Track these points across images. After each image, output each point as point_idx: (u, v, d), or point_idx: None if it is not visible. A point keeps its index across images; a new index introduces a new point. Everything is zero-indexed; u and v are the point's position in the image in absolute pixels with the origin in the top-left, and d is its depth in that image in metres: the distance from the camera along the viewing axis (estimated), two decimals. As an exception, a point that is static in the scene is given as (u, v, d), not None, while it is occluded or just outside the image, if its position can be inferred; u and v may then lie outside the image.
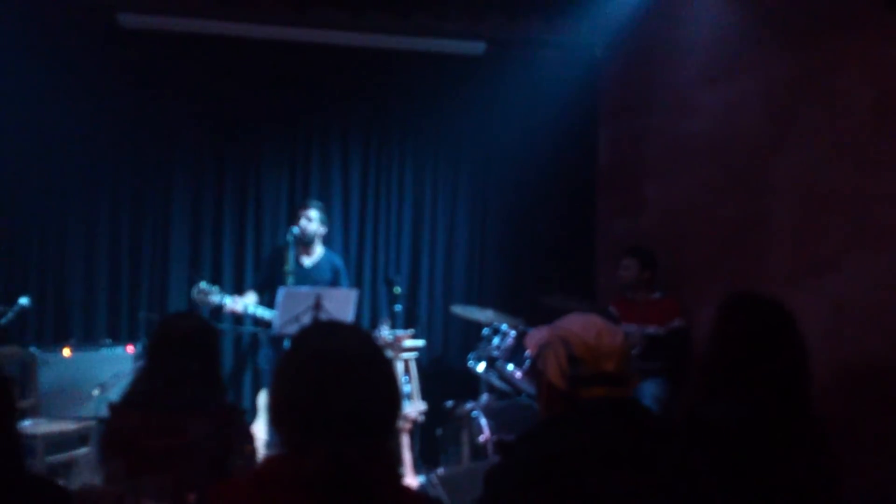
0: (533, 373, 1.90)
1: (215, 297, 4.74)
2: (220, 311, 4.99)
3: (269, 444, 4.61)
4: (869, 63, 3.63)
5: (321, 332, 1.54)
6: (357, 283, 5.81)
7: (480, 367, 4.76)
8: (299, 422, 1.41)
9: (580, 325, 1.82)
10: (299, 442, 1.40)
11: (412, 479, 4.70)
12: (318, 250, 5.17)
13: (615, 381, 1.75)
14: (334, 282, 5.13)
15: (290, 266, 4.88)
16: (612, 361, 1.75)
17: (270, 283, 5.05)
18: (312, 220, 5.05)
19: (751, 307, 2.26)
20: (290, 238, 4.94)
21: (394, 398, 1.48)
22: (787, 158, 4.12)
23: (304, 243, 5.07)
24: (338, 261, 5.28)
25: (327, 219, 5.23)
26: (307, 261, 5.10)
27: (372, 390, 1.42)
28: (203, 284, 4.78)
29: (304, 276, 4.99)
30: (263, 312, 4.86)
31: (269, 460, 1.44)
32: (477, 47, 5.88)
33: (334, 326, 1.57)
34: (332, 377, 1.41)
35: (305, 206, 5.11)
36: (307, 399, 1.40)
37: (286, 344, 4.62)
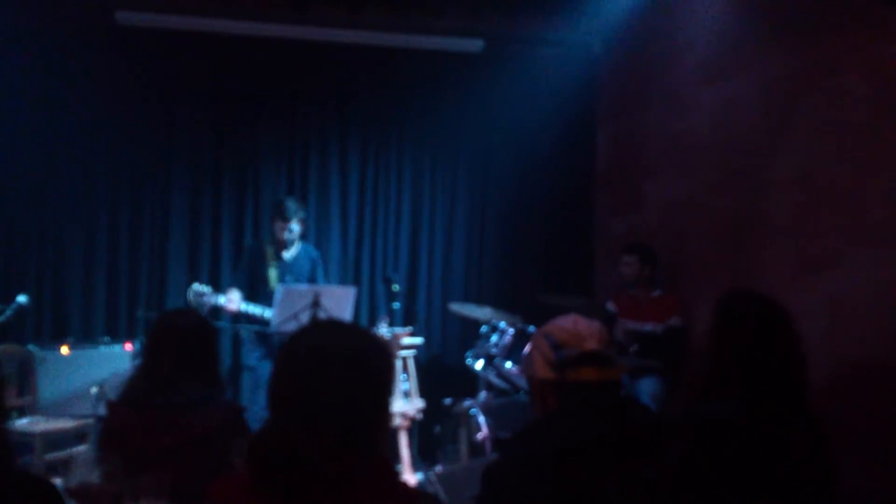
0: (525, 381, 1.95)
1: (211, 298, 4.75)
2: (218, 311, 5.00)
3: None
4: (867, 60, 3.63)
5: (320, 329, 1.56)
6: (355, 281, 5.82)
7: (479, 364, 4.77)
8: (281, 412, 1.43)
9: (557, 319, 1.90)
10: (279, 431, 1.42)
11: (410, 477, 4.70)
12: (296, 245, 5.20)
13: (601, 360, 1.78)
14: (312, 272, 5.20)
15: (272, 260, 5.03)
16: (594, 340, 1.79)
17: (252, 279, 5.09)
18: (293, 231, 5.04)
19: (747, 305, 2.26)
20: (288, 236, 5.03)
21: (377, 400, 1.47)
22: (785, 156, 4.12)
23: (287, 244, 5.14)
24: (314, 252, 5.34)
25: (306, 214, 5.27)
26: (287, 254, 5.14)
27: (353, 389, 1.42)
28: (196, 286, 4.78)
29: (286, 269, 5.08)
30: (255, 309, 4.88)
31: None
32: (475, 45, 5.88)
33: (337, 326, 1.58)
34: (316, 371, 1.42)
35: (286, 220, 4.99)
36: (291, 391, 1.43)
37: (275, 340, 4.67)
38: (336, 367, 1.43)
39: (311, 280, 5.16)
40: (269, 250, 5.08)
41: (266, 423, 1.44)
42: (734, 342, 2.19)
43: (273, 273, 5.01)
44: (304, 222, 5.17)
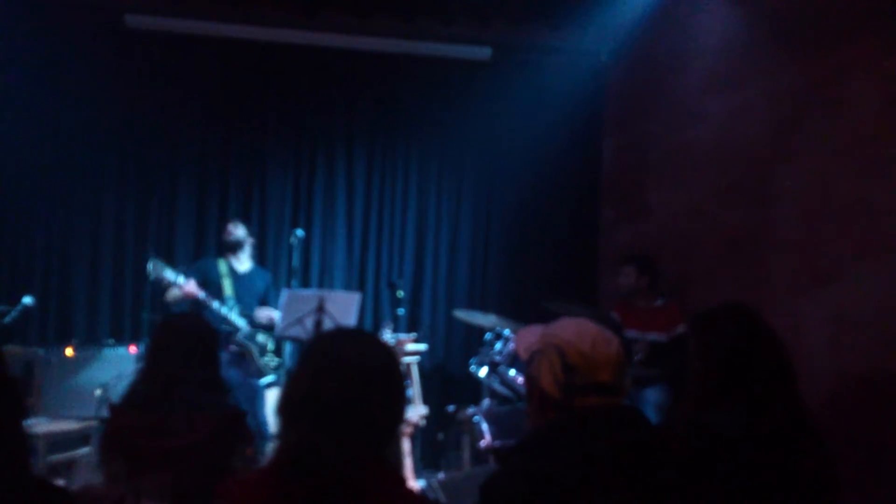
0: (525, 378, 1.86)
1: (169, 274, 4.64)
2: (169, 287, 4.82)
3: None
4: (875, 72, 3.62)
5: (336, 340, 1.58)
6: (360, 286, 5.82)
7: (482, 371, 4.75)
8: (299, 420, 1.45)
9: (574, 332, 1.77)
10: (294, 438, 1.44)
11: (412, 483, 4.69)
12: (247, 262, 5.11)
13: (610, 390, 1.73)
14: (265, 293, 5.11)
15: (225, 271, 4.94)
16: (608, 371, 1.72)
17: (206, 288, 4.89)
18: (232, 234, 5.02)
19: (723, 320, 2.26)
20: (293, 241, 5.07)
21: (394, 410, 1.52)
22: (791, 167, 4.12)
23: (233, 250, 5.04)
24: (269, 277, 5.27)
25: (251, 234, 5.15)
26: (240, 267, 5.05)
27: (371, 398, 1.46)
28: (153, 261, 4.64)
29: (239, 280, 4.98)
30: (225, 311, 4.80)
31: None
32: (483, 52, 5.90)
33: (353, 336, 1.61)
34: (336, 380, 1.45)
35: (230, 221, 5.11)
36: (307, 397, 1.45)
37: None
38: (352, 378, 1.46)
39: (263, 301, 5.06)
40: (223, 264, 4.99)
41: (284, 430, 1.47)
42: (714, 364, 2.19)
43: (227, 282, 4.91)
44: (251, 243, 5.10)
